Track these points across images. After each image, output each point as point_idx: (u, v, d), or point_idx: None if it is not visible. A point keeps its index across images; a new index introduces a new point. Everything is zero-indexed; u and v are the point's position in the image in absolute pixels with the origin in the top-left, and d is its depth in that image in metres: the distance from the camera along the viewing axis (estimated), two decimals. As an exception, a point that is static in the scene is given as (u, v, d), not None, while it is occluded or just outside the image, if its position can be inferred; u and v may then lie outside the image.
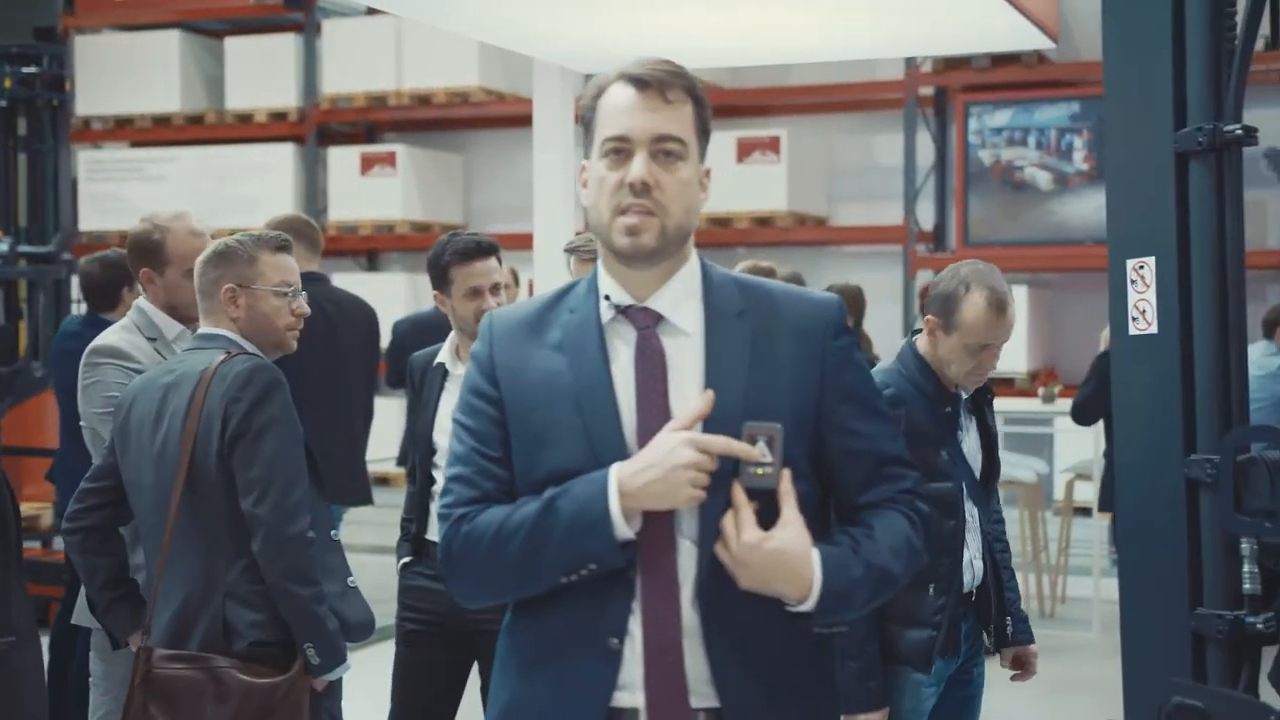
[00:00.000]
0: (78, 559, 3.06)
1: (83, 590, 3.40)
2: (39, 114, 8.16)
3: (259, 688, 2.79)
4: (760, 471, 1.86)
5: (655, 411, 1.89)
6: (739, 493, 1.85)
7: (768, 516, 1.86)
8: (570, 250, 3.83)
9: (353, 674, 3.09)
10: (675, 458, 1.82)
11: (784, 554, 1.83)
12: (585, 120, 1.97)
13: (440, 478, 2.94)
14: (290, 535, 2.81)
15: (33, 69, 8.00)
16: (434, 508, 3.00)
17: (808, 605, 1.87)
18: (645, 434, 1.88)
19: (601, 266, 1.99)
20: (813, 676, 1.97)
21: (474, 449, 1.96)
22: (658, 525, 1.87)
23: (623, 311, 1.95)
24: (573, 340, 1.95)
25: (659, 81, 1.91)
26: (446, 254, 3.54)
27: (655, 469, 1.82)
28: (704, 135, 1.96)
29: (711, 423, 1.87)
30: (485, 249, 3.55)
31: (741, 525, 1.84)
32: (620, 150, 1.90)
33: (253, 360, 2.91)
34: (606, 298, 1.95)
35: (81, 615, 3.43)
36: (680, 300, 1.96)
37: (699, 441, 1.83)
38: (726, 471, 1.87)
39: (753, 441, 1.86)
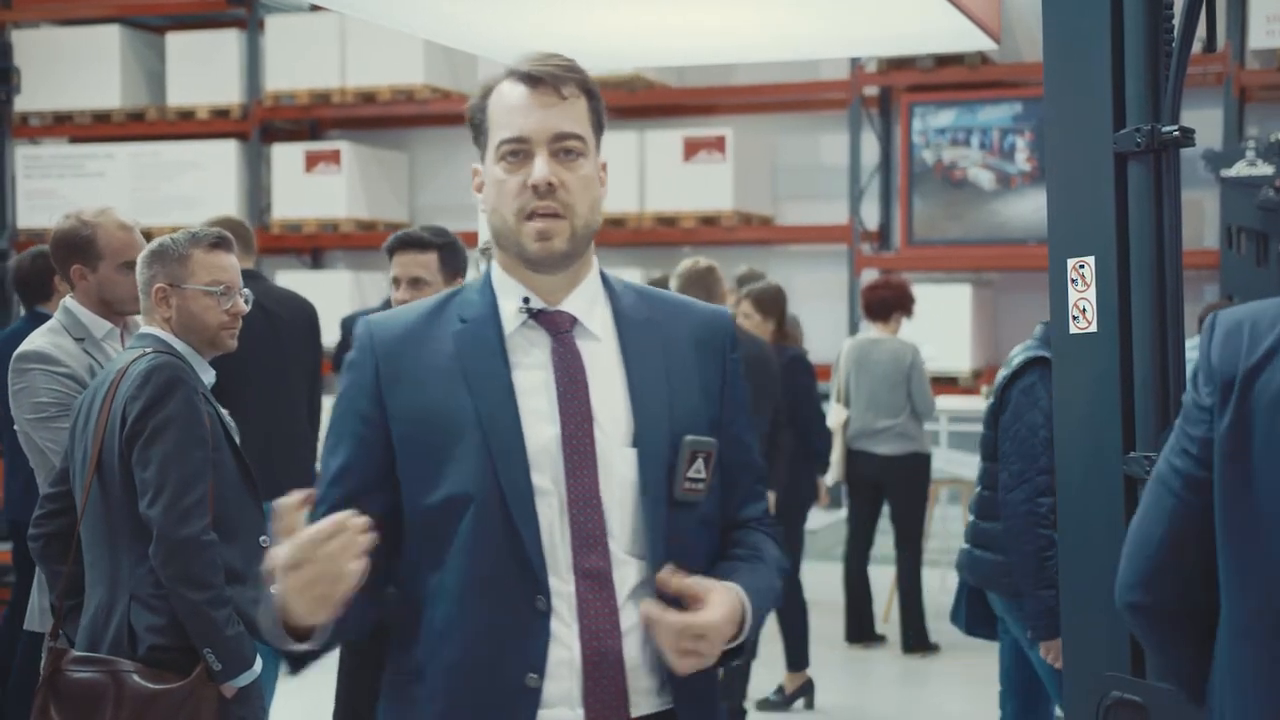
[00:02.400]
0: (41, 566, 3.03)
1: (33, 594, 3.37)
2: None
3: (156, 693, 2.74)
4: (695, 487, 1.86)
5: (580, 418, 1.84)
6: (652, 608, 1.79)
7: (692, 528, 1.87)
8: (485, 250, 3.86)
9: (296, 678, 3.07)
10: (283, 586, 1.69)
11: (721, 626, 1.80)
12: (475, 123, 1.90)
13: None
14: (182, 538, 2.75)
15: None
16: None
17: (739, 640, 1.85)
18: (570, 441, 1.83)
19: (501, 272, 1.92)
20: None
21: (338, 479, 1.88)
22: (590, 536, 1.82)
23: (534, 316, 1.88)
24: (470, 352, 1.86)
25: (552, 77, 1.85)
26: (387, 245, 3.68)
27: (295, 587, 1.70)
28: (599, 129, 1.92)
29: (642, 431, 1.85)
30: (404, 242, 3.63)
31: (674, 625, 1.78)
32: (518, 152, 1.84)
33: (156, 358, 2.85)
34: (526, 300, 1.88)
35: (33, 620, 3.39)
36: (590, 304, 1.92)
37: (290, 554, 1.69)
38: (661, 484, 1.85)
39: (693, 458, 1.85)
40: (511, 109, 1.85)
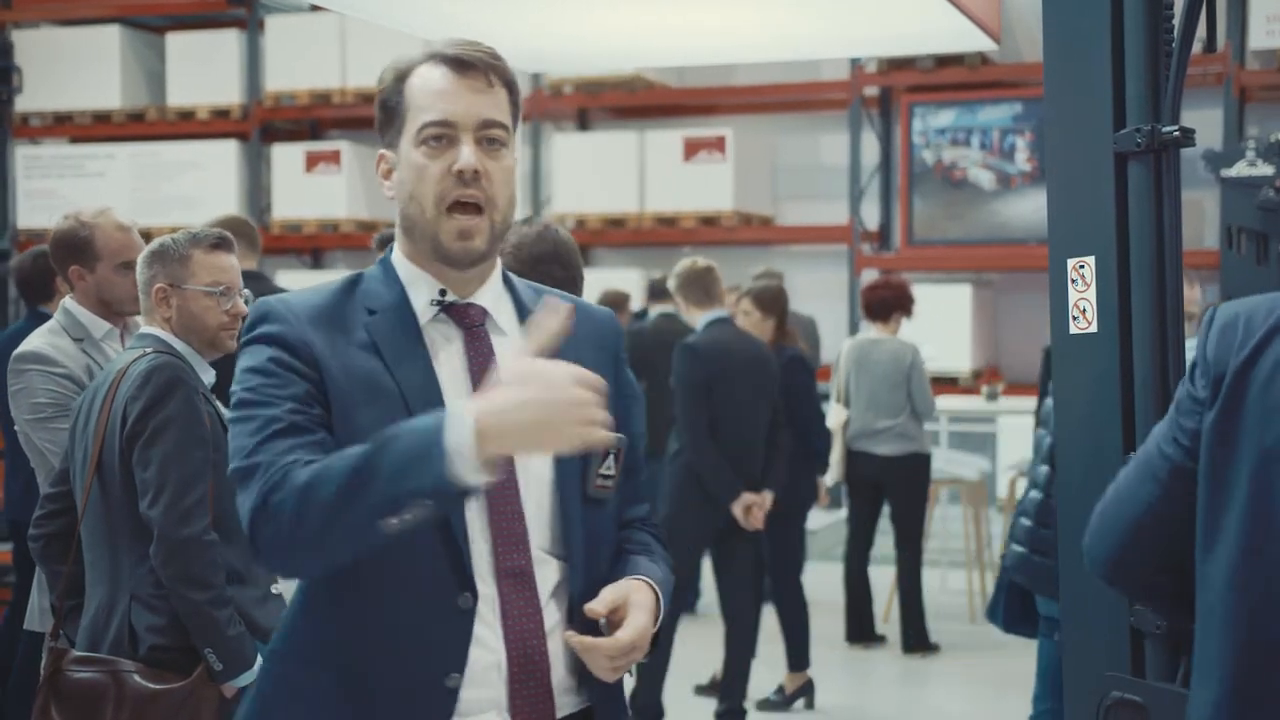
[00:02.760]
0: (41, 566, 3.03)
1: (33, 594, 3.38)
2: None
3: (157, 693, 2.74)
4: (605, 484, 1.85)
5: None
6: (582, 640, 1.78)
7: (603, 525, 1.86)
8: (383, 242, 3.95)
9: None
10: (565, 394, 1.56)
11: (647, 629, 1.80)
12: (389, 105, 1.82)
13: None
14: (183, 538, 2.75)
15: None
16: None
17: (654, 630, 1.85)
18: None
19: (407, 262, 1.85)
20: None
21: (290, 406, 1.70)
22: (512, 535, 1.78)
23: (445, 309, 1.83)
24: (388, 341, 1.78)
25: (483, 64, 1.79)
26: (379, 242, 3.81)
27: (536, 406, 1.56)
28: (516, 123, 1.86)
29: None
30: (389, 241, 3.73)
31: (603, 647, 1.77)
32: (442, 136, 1.77)
33: (156, 359, 2.86)
34: (443, 293, 1.83)
35: (33, 620, 3.39)
36: (497, 299, 1.88)
37: (583, 379, 1.59)
38: (575, 481, 1.83)
39: (605, 455, 1.84)
40: (437, 92, 1.78)
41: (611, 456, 1.85)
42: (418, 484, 1.59)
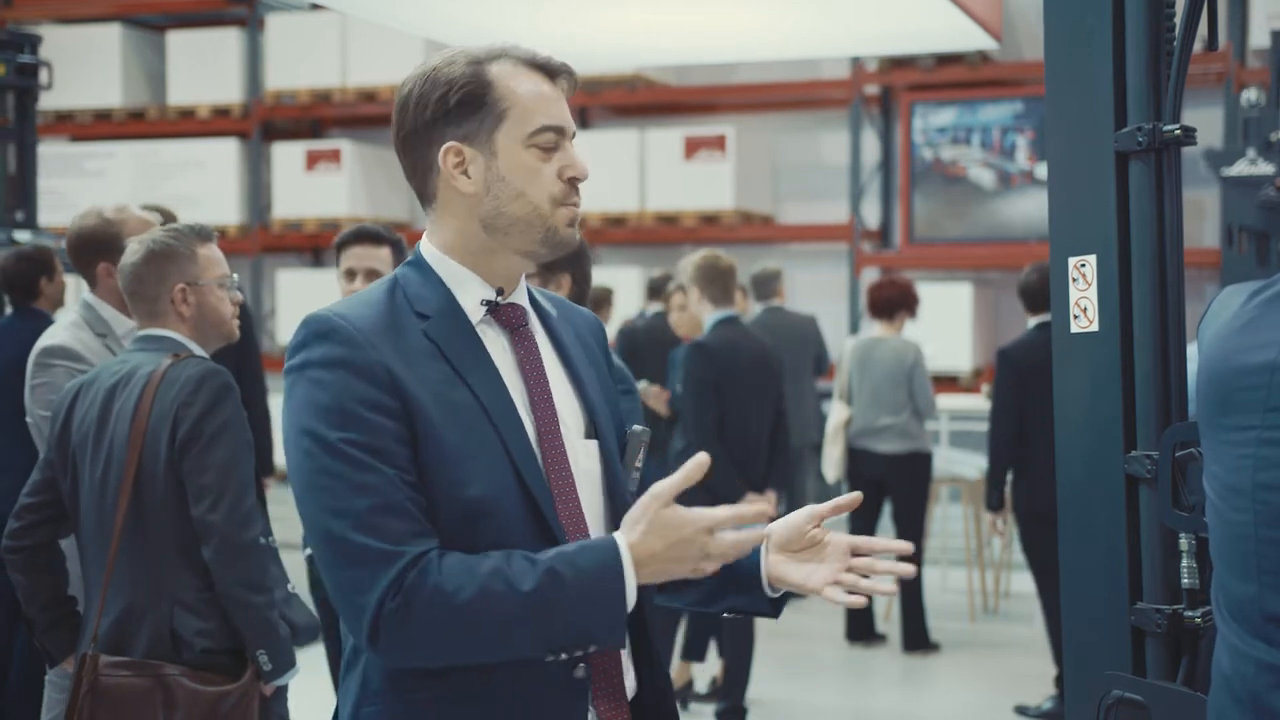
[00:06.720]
0: (20, 578, 3.00)
1: None
2: (24, 103, 7.94)
3: (208, 696, 2.77)
4: (637, 476, 1.89)
5: (549, 413, 1.81)
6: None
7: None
8: None
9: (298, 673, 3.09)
10: (701, 549, 1.69)
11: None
12: (471, 97, 1.77)
13: None
14: (244, 542, 2.80)
15: (27, 57, 7.72)
16: None
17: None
18: (544, 437, 1.79)
19: (452, 263, 1.82)
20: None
21: (394, 474, 1.66)
22: (580, 532, 1.79)
23: (490, 310, 1.83)
24: (452, 346, 1.76)
25: (568, 75, 1.84)
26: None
27: (676, 561, 1.69)
28: None
29: (596, 422, 1.87)
30: (360, 236, 3.75)
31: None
32: (555, 143, 1.80)
33: (204, 364, 2.89)
34: (500, 291, 1.83)
35: None
36: (526, 300, 1.91)
37: (718, 524, 1.69)
38: (617, 474, 1.87)
39: (637, 448, 1.88)
40: (544, 97, 1.80)
41: (643, 449, 1.89)
42: (595, 630, 1.68)
